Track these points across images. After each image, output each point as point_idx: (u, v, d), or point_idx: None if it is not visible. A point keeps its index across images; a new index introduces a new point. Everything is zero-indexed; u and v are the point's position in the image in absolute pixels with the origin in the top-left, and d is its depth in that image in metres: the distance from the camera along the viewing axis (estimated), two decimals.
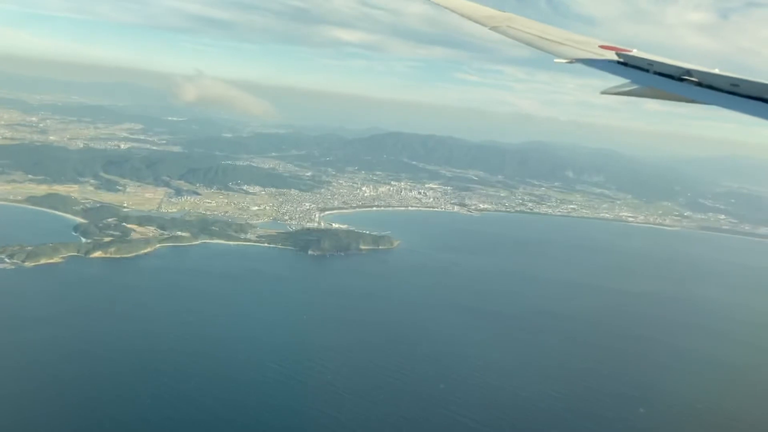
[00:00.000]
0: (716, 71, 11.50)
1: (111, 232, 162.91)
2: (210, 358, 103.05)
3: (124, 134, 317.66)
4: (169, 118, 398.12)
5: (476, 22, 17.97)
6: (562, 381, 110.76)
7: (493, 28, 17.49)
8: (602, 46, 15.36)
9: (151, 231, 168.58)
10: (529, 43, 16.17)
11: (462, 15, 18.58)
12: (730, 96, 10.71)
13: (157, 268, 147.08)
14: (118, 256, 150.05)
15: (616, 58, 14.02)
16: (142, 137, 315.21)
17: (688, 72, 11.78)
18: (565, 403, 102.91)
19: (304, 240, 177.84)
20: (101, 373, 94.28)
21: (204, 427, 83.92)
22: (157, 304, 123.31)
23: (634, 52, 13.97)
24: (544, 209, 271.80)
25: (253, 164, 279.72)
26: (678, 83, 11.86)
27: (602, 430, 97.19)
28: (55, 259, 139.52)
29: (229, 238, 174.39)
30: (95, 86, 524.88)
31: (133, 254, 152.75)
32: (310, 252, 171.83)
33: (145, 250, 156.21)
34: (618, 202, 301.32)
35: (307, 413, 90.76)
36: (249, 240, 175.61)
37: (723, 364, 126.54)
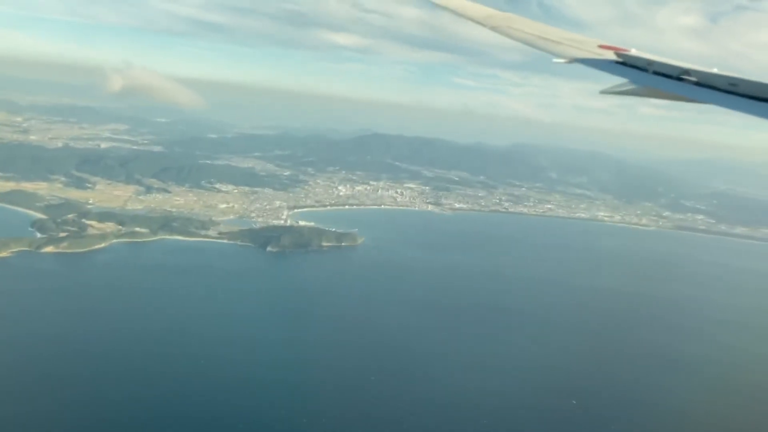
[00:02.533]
0: (715, 71, 11.57)
1: (68, 227, 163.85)
2: (120, 353, 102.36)
3: (108, 134, 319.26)
4: (158, 120, 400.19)
5: (476, 22, 18.09)
6: (504, 374, 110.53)
7: (493, 28, 17.57)
8: (601, 46, 15.40)
9: (109, 227, 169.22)
10: (528, 43, 16.25)
11: (461, 15, 18.71)
12: (729, 95, 10.72)
13: (106, 263, 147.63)
14: (70, 251, 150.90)
15: (614, 58, 14.10)
16: (125, 137, 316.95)
17: (687, 72, 11.84)
18: (499, 396, 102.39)
19: (264, 237, 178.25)
20: None
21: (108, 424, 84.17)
22: (91, 299, 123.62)
23: (633, 52, 14.04)
24: (520, 209, 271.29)
25: (232, 164, 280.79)
26: (677, 83, 11.91)
27: (527, 419, 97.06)
28: (4, 254, 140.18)
29: (189, 234, 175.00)
30: (88, 88, 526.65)
31: (86, 249, 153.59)
32: (268, 249, 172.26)
33: (99, 246, 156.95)
34: (597, 202, 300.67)
35: (225, 405, 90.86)
36: (209, 236, 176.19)
37: (674, 358, 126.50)
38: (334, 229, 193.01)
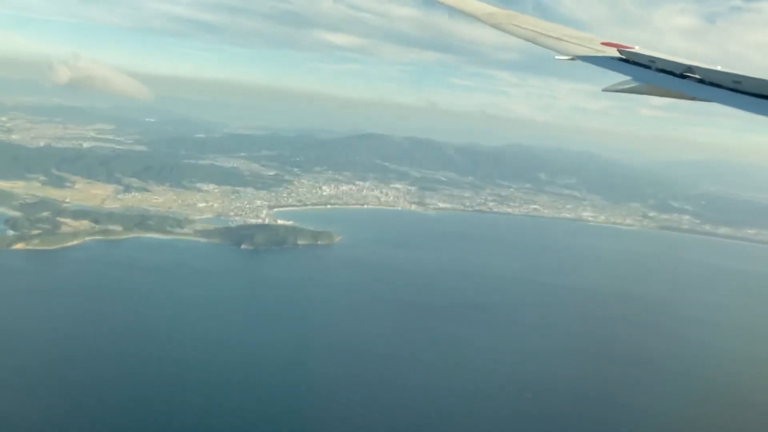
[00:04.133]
0: (719, 68, 11.32)
1: (42, 225, 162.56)
2: (80, 350, 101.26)
3: (93, 134, 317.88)
4: (146, 120, 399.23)
5: (478, 19, 18.11)
6: (462, 371, 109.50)
7: (494, 26, 17.52)
8: (604, 43, 15.26)
9: (83, 225, 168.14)
10: (530, 41, 16.19)
11: (463, 12, 18.76)
12: (733, 93, 10.51)
13: (77, 260, 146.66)
14: (41, 248, 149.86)
15: (617, 55, 13.96)
16: (110, 137, 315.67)
17: (691, 69, 11.67)
18: (452, 392, 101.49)
19: (239, 235, 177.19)
20: None
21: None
22: (57, 295, 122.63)
23: (636, 49, 13.89)
24: (504, 209, 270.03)
25: (216, 163, 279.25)
26: (680, 80, 11.79)
27: (479, 411, 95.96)
28: None
29: (163, 232, 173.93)
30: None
31: (57, 246, 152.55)
32: (242, 247, 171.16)
33: (71, 243, 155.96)
34: (584, 203, 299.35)
35: (174, 402, 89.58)
36: (184, 234, 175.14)
37: (638, 354, 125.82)
38: (311, 228, 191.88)
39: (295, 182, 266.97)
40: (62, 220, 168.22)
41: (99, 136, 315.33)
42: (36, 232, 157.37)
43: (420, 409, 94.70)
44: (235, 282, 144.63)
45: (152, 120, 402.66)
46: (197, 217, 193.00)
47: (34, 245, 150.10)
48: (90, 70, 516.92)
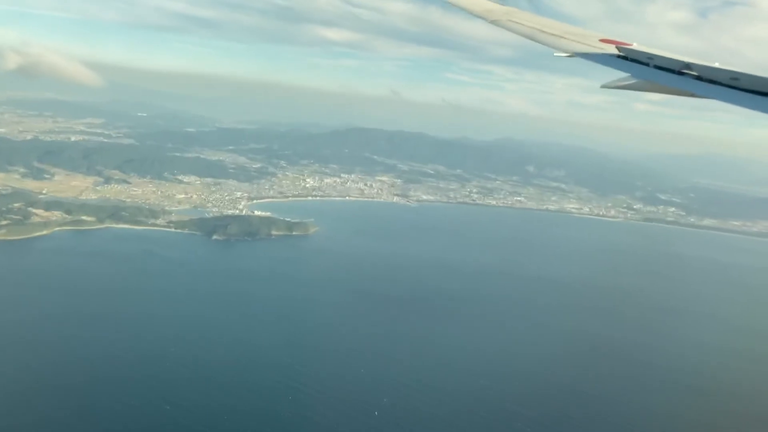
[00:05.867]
0: (716, 65, 11.45)
1: (12, 216, 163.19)
2: (37, 336, 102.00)
3: (82, 128, 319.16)
4: (138, 114, 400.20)
5: (476, 15, 18.22)
6: (425, 362, 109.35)
7: (493, 22, 17.58)
8: (602, 40, 15.39)
9: (55, 215, 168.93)
10: (529, 37, 16.28)
11: (462, 8, 18.90)
12: (730, 90, 10.64)
13: (43, 250, 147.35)
14: (9, 237, 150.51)
15: (616, 52, 14.09)
16: (98, 131, 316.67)
17: (688, 66, 11.80)
18: (410, 385, 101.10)
19: (213, 225, 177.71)
20: None
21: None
22: (19, 285, 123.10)
23: (635, 46, 14.04)
24: (488, 201, 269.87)
25: (202, 156, 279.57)
26: (678, 77, 11.91)
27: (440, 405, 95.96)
28: None
29: (137, 223, 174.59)
30: (73, 84, 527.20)
31: (26, 236, 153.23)
32: (214, 237, 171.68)
33: (40, 233, 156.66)
34: (570, 195, 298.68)
35: (113, 385, 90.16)
36: (157, 225, 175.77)
37: (603, 343, 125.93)
38: (288, 219, 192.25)
39: (280, 175, 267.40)
40: (34, 210, 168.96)
41: (88, 129, 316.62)
42: (4, 222, 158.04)
43: (372, 403, 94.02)
44: (199, 271, 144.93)
45: (144, 114, 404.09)
46: (173, 208, 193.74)
47: (2, 235, 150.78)
48: (39, 57, 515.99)
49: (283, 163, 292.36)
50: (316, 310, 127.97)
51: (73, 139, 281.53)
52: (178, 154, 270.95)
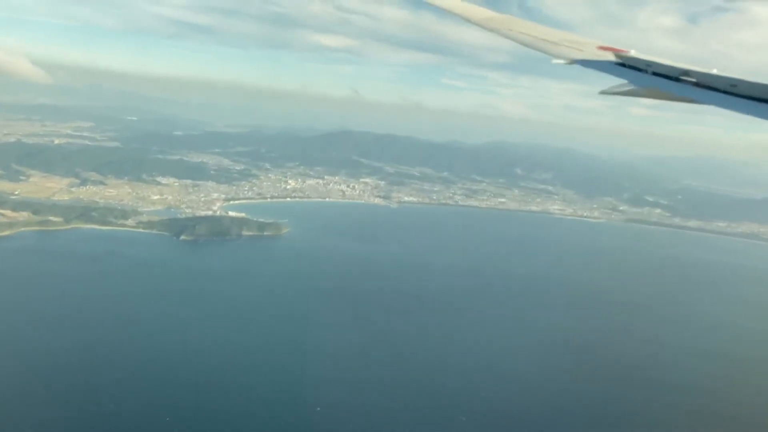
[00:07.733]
0: (714, 72, 11.49)
1: None
2: None
3: (68, 131, 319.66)
4: (128, 118, 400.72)
5: (475, 24, 18.30)
6: (367, 357, 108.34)
7: (492, 30, 17.68)
8: (601, 47, 15.48)
9: (22, 216, 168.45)
10: (528, 45, 16.35)
11: (461, 17, 18.95)
12: (728, 96, 10.67)
13: (5, 249, 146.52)
14: None
15: (614, 59, 14.17)
16: (85, 134, 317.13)
17: (687, 72, 11.83)
18: (371, 383, 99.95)
19: (182, 226, 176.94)
20: None
21: None
22: None
23: (632, 53, 14.03)
24: (471, 202, 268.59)
25: (186, 159, 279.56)
26: (676, 83, 11.92)
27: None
28: None
29: (105, 223, 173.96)
30: (67, 89, 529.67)
31: None
32: (182, 237, 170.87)
33: (4, 233, 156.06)
34: (556, 197, 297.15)
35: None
36: (126, 225, 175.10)
37: (559, 338, 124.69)
38: (261, 220, 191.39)
39: (262, 176, 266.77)
40: (1, 211, 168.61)
41: (75, 133, 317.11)
42: None
43: (329, 403, 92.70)
44: (161, 272, 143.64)
45: (134, 118, 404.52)
46: (146, 209, 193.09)
47: None
48: None
49: (267, 165, 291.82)
50: (267, 308, 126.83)
51: (56, 142, 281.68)
52: (160, 157, 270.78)
